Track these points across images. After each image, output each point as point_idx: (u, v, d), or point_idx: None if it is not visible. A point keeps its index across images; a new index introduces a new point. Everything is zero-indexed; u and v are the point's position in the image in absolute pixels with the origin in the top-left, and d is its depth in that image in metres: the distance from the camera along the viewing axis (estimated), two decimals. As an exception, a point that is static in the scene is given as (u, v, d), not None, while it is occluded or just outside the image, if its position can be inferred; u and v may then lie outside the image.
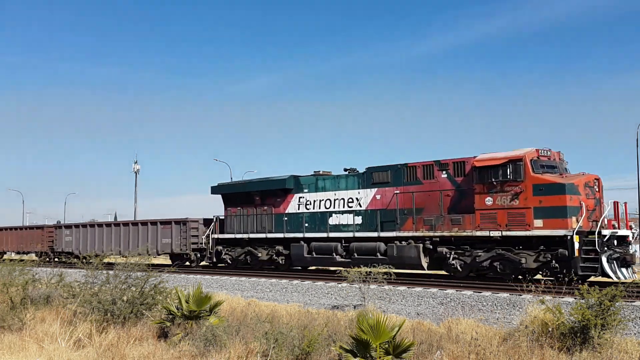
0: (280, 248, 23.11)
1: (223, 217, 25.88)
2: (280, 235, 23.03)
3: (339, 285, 17.36)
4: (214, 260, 25.84)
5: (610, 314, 8.73)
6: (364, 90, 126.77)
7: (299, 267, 24.19)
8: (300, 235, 22.25)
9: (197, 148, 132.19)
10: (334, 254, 20.85)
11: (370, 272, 14.68)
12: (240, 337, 9.41)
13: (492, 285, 16.69)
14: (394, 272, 16.19)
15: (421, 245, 18.54)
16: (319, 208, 22.09)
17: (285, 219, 23.01)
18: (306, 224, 22.26)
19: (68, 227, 34.16)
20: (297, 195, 22.97)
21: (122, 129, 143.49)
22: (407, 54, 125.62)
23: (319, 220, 22.00)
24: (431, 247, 18.42)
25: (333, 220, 21.44)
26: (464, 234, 17.51)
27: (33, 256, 37.68)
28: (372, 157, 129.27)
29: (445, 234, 17.97)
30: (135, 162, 58.51)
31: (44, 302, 14.10)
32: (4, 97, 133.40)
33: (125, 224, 30.59)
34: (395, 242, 19.19)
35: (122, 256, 30.86)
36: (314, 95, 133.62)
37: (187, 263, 27.59)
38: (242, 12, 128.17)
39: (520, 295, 13.51)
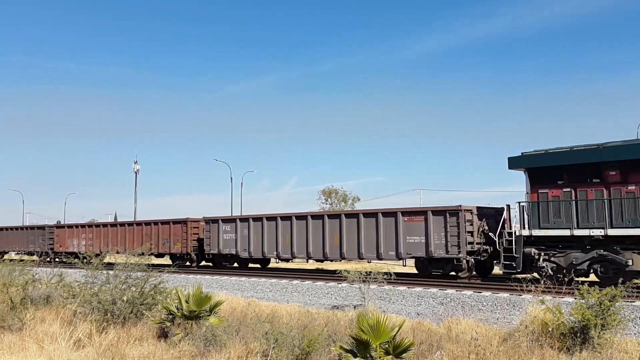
0: None
1: (525, 204, 17.60)
2: None
3: (339, 285, 17.40)
4: (519, 269, 16.77)
5: (610, 314, 8.74)
6: (365, 91, 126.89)
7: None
8: None
9: (197, 148, 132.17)
10: None
11: (370, 272, 14.71)
12: (240, 337, 9.42)
13: (492, 285, 16.69)
14: (394, 272, 16.19)
15: None
16: None
17: None
18: None
19: (228, 221, 26.81)
20: None
21: (122, 129, 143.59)
22: (406, 54, 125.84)
23: None
24: None
25: None
26: None
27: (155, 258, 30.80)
28: (373, 158, 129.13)
29: None
30: (135, 162, 58.60)
31: (44, 302, 14.11)
32: (4, 97, 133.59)
33: (334, 215, 22.83)
34: None
35: (328, 260, 23.24)
36: (315, 95, 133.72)
37: (453, 272, 19.64)
38: (243, 12, 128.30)
39: (520, 295, 13.52)
